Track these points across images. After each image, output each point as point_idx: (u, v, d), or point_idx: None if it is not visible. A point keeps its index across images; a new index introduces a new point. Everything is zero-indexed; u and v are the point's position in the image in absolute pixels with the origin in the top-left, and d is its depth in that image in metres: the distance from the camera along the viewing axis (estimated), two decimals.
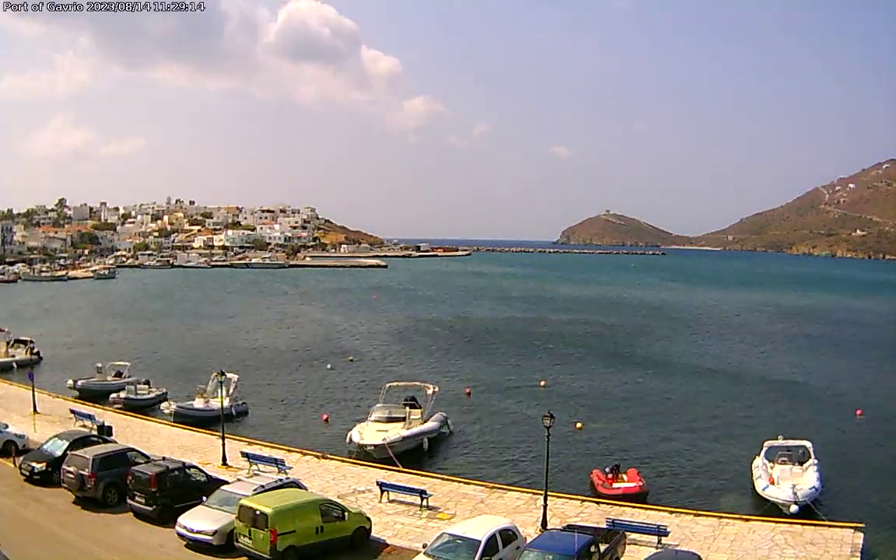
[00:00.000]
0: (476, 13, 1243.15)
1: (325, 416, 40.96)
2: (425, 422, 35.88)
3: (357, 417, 38.26)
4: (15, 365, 52.72)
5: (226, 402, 35.02)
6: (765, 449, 30.69)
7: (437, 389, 38.38)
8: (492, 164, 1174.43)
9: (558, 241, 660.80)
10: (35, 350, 56.44)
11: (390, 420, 35.47)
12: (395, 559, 21.64)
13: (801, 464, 29.58)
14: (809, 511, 25.09)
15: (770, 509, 26.22)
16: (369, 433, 33.86)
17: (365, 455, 32.31)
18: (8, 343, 57.22)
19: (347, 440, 34.30)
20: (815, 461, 29.69)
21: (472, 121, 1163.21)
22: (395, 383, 40.40)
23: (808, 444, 30.84)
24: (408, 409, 36.37)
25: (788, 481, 27.02)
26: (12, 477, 27.64)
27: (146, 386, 44.33)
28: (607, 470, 29.14)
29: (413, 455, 33.26)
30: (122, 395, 42.31)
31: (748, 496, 28.60)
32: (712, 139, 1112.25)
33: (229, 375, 37.69)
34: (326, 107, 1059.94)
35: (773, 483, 27.57)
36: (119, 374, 47.50)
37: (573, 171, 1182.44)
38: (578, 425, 38.83)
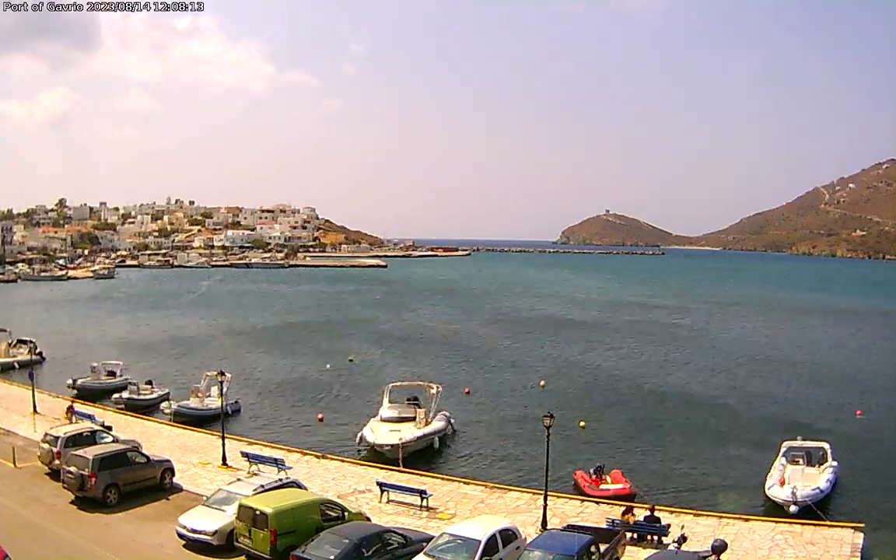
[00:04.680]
0: (474, 13, 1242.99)
1: (319, 416, 40.97)
2: (429, 422, 35.69)
3: (358, 417, 38.26)
4: (17, 365, 52.65)
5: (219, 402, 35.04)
6: (783, 449, 30.64)
7: (440, 389, 38.27)
8: (491, 164, 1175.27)
9: (558, 241, 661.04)
10: (38, 350, 56.22)
11: (401, 420, 35.44)
12: None
13: (819, 465, 29.46)
14: (811, 511, 25.00)
15: (774, 509, 26.17)
16: (382, 433, 33.73)
17: (377, 455, 32.26)
18: (9, 343, 57.17)
19: (358, 440, 34.15)
20: (833, 463, 29.60)
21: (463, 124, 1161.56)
22: (398, 383, 40.24)
23: (825, 445, 30.74)
24: (416, 408, 36.34)
25: (795, 482, 26.92)
26: (12, 477, 27.64)
27: (148, 386, 44.24)
28: (591, 471, 29.09)
29: (414, 455, 33.17)
30: (125, 395, 42.28)
31: (751, 496, 28.48)
32: (712, 139, 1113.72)
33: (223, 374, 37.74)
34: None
35: (782, 483, 27.47)
36: (112, 374, 47.43)
37: (574, 170, 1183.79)
38: (582, 424, 38.79)
